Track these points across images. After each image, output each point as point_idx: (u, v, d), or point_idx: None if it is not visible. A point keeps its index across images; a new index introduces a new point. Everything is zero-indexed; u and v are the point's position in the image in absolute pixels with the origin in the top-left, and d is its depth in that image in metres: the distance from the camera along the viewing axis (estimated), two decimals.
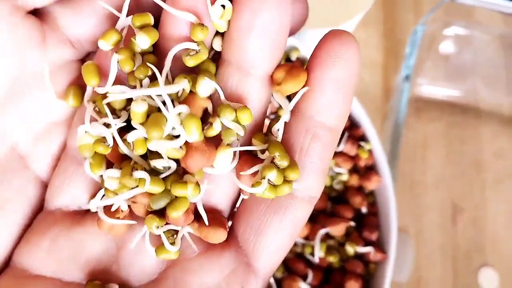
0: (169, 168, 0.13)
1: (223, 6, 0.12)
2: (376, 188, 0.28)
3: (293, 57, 0.29)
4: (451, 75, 0.38)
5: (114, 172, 0.13)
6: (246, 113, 0.12)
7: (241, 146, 0.13)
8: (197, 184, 0.12)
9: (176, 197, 0.12)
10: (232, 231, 0.14)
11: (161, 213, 0.13)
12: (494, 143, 0.38)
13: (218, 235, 0.13)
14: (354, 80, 0.13)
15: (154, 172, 0.13)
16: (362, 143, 0.27)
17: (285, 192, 0.13)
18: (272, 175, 0.12)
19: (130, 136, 0.12)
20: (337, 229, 0.25)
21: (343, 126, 0.13)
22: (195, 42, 0.13)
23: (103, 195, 0.13)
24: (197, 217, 0.13)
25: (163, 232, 0.13)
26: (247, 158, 0.13)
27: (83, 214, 0.14)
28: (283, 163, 0.12)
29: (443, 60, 0.38)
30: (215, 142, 0.13)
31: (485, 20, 0.37)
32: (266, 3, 0.12)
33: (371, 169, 0.28)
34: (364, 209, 0.27)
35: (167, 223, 0.13)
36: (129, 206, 0.13)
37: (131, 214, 0.13)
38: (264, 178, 0.12)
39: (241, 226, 0.14)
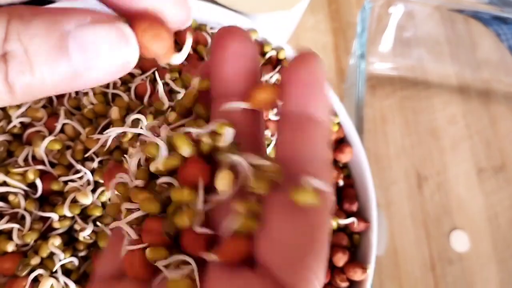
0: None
1: None
2: (350, 160, 0.28)
3: (281, 56, 0.28)
4: (398, 51, 0.40)
5: None
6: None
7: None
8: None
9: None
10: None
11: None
12: (446, 111, 0.40)
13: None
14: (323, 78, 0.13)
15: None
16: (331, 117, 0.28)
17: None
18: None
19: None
20: None
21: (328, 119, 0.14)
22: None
23: None
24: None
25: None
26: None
27: None
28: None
29: (389, 37, 0.39)
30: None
31: None
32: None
33: (342, 142, 0.28)
34: (341, 182, 0.27)
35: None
36: None
37: None
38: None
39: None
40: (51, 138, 0.22)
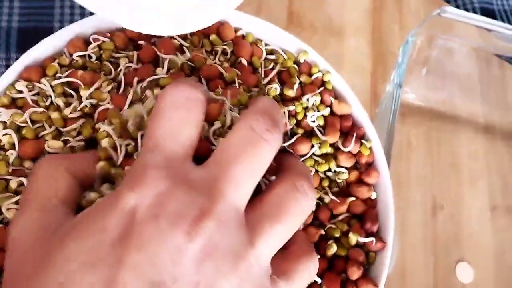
0: None
1: None
2: (375, 183, 0.30)
3: (301, 59, 0.31)
4: (432, 84, 0.42)
5: None
6: None
7: None
8: None
9: None
10: None
11: None
12: (469, 147, 0.42)
13: None
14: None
15: None
16: (364, 141, 0.30)
17: None
18: None
19: None
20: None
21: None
22: None
23: None
24: None
25: None
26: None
27: None
28: None
29: (426, 70, 0.41)
30: None
31: (463, 34, 0.41)
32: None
33: (370, 165, 0.30)
34: (374, 195, 0.29)
35: None
36: None
37: None
38: None
39: None
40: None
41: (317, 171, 0.29)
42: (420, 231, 0.39)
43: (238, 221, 0.18)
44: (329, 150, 0.29)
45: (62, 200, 0.20)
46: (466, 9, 0.47)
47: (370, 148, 0.30)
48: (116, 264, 0.15)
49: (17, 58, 0.27)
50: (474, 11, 0.47)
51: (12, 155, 0.24)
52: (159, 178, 0.17)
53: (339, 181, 0.30)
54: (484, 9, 0.48)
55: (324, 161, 0.29)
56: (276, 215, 0.20)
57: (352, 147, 0.29)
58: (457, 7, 0.47)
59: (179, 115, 0.19)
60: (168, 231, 0.16)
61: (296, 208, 0.20)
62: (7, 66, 0.27)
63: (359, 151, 0.30)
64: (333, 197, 0.29)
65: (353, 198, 0.29)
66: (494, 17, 0.48)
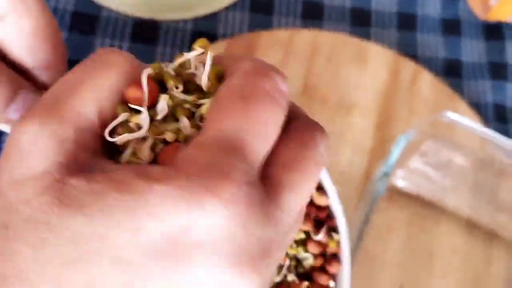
0: None
1: None
2: (335, 273, 0.33)
3: None
4: (425, 173, 0.44)
5: None
6: None
7: None
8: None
9: None
10: None
11: None
12: (449, 239, 0.44)
13: None
14: None
15: None
16: (334, 234, 0.33)
17: None
18: None
19: None
20: None
21: None
22: None
23: None
24: None
25: None
26: None
27: None
28: None
29: (421, 163, 0.44)
30: None
31: (464, 139, 0.43)
32: None
33: (334, 256, 0.34)
34: (332, 283, 0.33)
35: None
36: None
37: None
38: None
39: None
40: None
41: (287, 253, 0.33)
42: None
43: None
44: (301, 235, 0.33)
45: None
46: (479, 103, 0.49)
47: (337, 241, 0.33)
48: None
49: None
50: (486, 105, 0.49)
51: None
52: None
53: (305, 264, 0.33)
54: (497, 103, 0.49)
55: (295, 245, 0.33)
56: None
57: (322, 237, 0.33)
58: (472, 102, 0.49)
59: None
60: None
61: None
62: None
63: (327, 242, 0.33)
64: (295, 278, 0.33)
65: (307, 283, 0.32)
66: (506, 113, 0.49)
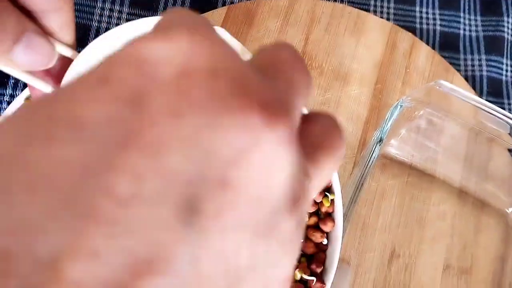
0: None
1: None
2: (329, 232, 0.35)
3: None
4: (418, 142, 0.45)
5: None
6: None
7: None
8: None
9: None
10: None
11: None
12: (439, 207, 0.45)
13: None
14: None
15: None
16: (328, 194, 0.34)
17: None
18: None
19: None
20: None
21: None
22: None
23: None
24: None
25: None
26: None
27: None
28: None
29: (415, 131, 0.45)
30: None
31: (458, 108, 0.44)
32: None
33: (328, 215, 0.35)
34: (325, 241, 0.34)
35: None
36: None
37: None
38: None
39: None
40: None
41: None
42: (374, 272, 0.43)
43: None
44: None
45: None
46: (474, 76, 0.50)
47: (332, 200, 0.34)
48: None
49: None
50: (481, 79, 0.50)
51: None
52: None
53: None
54: (492, 78, 0.50)
55: None
56: None
57: (316, 196, 0.34)
58: (467, 76, 0.49)
59: None
60: None
61: None
62: None
63: (321, 201, 0.34)
64: None
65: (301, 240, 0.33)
66: (501, 88, 0.50)
